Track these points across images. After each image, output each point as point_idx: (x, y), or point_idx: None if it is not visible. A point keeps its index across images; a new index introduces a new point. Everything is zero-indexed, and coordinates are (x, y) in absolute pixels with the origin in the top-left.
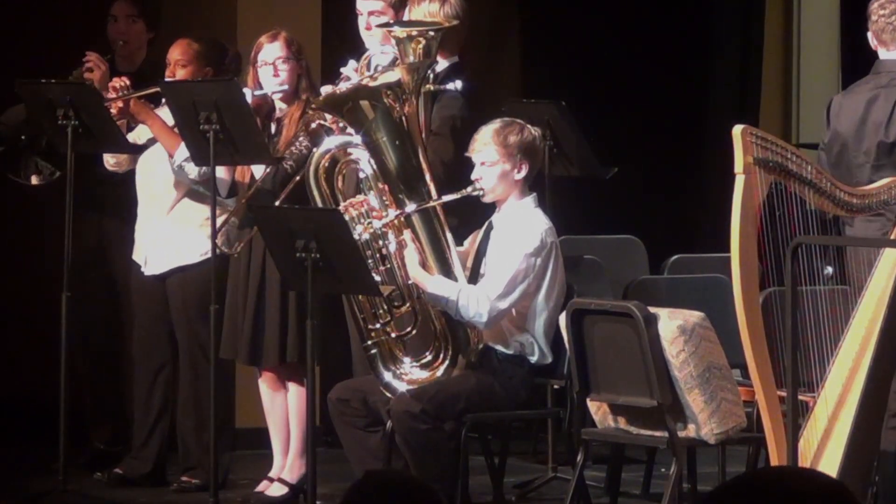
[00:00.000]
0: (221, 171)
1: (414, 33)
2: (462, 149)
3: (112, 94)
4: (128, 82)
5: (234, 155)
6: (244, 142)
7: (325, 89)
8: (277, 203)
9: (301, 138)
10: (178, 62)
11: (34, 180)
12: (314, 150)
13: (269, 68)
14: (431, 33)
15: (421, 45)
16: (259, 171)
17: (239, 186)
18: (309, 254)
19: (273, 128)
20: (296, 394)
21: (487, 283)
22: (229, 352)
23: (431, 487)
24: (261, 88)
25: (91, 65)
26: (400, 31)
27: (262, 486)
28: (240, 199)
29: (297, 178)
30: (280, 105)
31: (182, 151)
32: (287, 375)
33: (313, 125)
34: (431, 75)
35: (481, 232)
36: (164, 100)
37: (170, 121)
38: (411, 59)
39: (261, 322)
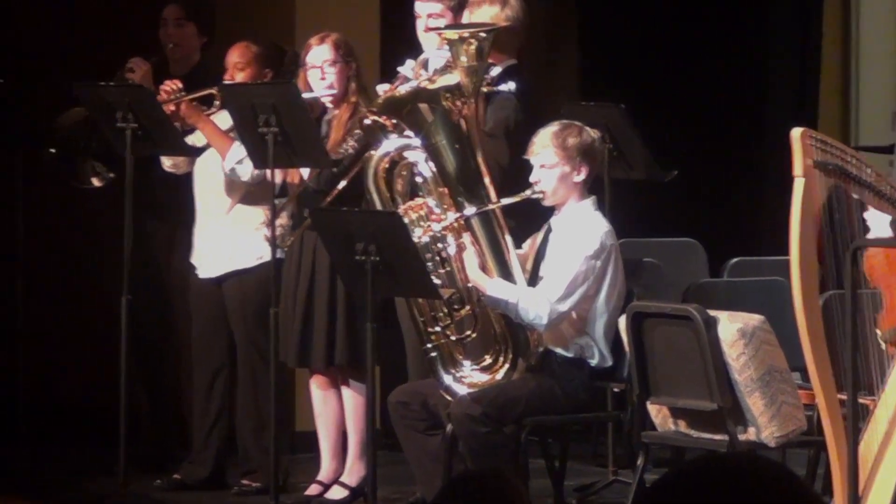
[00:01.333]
0: (270, 173)
1: (466, 35)
2: (516, 151)
3: (164, 97)
4: (179, 85)
5: (292, 157)
6: (302, 144)
7: (381, 88)
8: (325, 204)
9: (349, 140)
10: (237, 65)
11: (95, 182)
12: (372, 152)
13: (317, 71)
14: (483, 35)
15: (473, 47)
16: (307, 172)
17: (289, 187)
18: (368, 257)
19: (323, 130)
20: (351, 396)
21: (547, 286)
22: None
23: (521, 489)
24: (310, 91)
25: (132, 65)
26: (451, 34)
27: (313, 490)
28: (289, 200)
29: (345, 180)
30: (331, 107)
31: (234, 154)
32: (340, 378)
33: (367, 121)
34: (488, 77)
35: (540, 234)
36: (217, 103)
37: (223, 125)
38: (464, 60)
39: (309, 324)
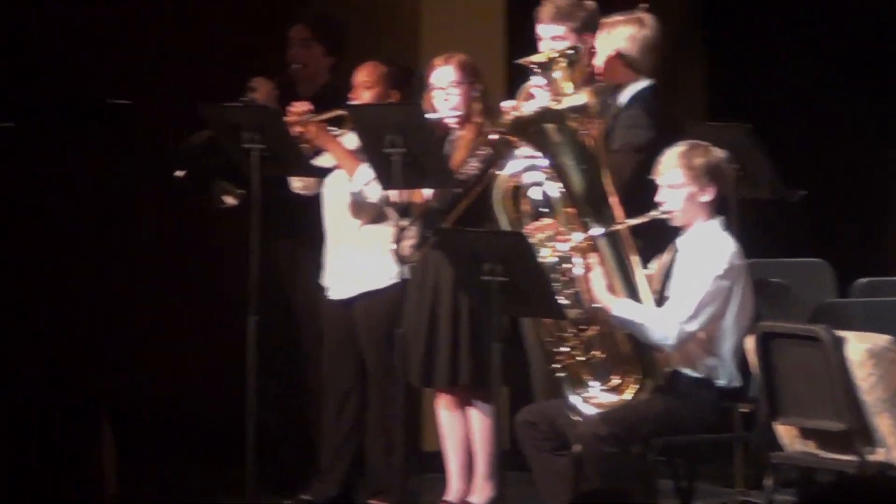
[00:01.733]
0: (396, 194)
1: (554, 55)
2: (642, 170)
3: (292, 119)
4: (309, 107)
5: (418, 178)
6: (429, 165)
7: (507, 105)
8: (448, 223)
9: (472, 160)
10: (364, 84)
11: (229, 201)
12: (498, 172)
13: (442, 92)
14: (571, 52)
15: (562, 67)
16: (431, 192)
17: (412, 208)
18: (495, 277)
19: (447, 150)
20: (477, 416)
21: (675, 306)
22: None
23: None
24: (434, 112)
25: (254, 84)
26: (540, 57)
27: None
28: (414, 220)
29: (467, 199)
30: (456, 128)
31: (361, 175)
32: (466, 397)
33: (493, 136)
34: (612, 98)
35: (667, 254)
36: (340, 125)
37: (352, 145)
38: (557, 77)
39: (433, 343)
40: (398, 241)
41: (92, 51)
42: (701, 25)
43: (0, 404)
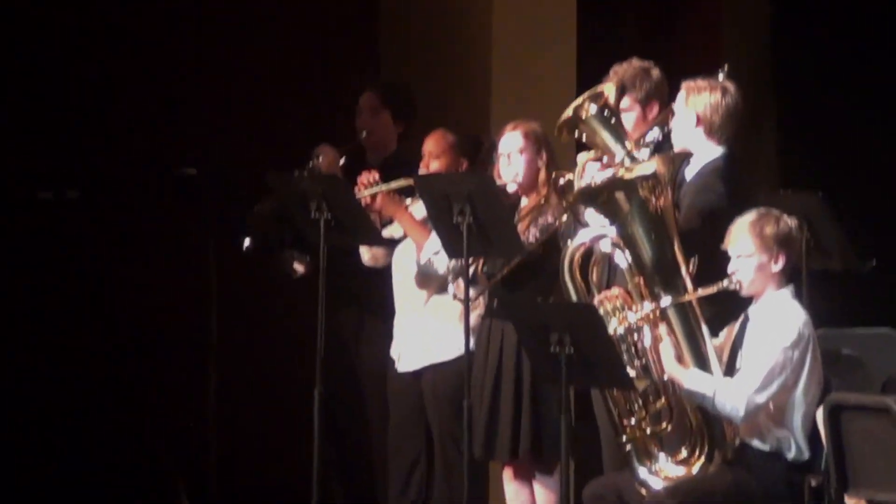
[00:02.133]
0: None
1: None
2: (710, 236)
3: (361, 188)
4: (377, 177)
5: (487, 248)
6: (498, 235)
7: (582, 157)
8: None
9: (531, 229)
10: (432, 154)
11: (298, 269)
12: (569, 242)
13: (505, 159)
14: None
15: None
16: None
17: (478, 278)
18: (563, 348)
19: (516, 219)
20: (542, 490)
21: (744, 377)
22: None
23: None
24: (500, 179)
25: (319, 152)
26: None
27: None
28: (482, 291)
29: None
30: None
31: (430, 245)
32: (530, 469)
33: (562, 181)
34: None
35: (737, 324)
36: (408, 194)
37: (420, 215)
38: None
39: (495, 414)
40: (467, 313)
41: (161, 119)
42: (774, 92)
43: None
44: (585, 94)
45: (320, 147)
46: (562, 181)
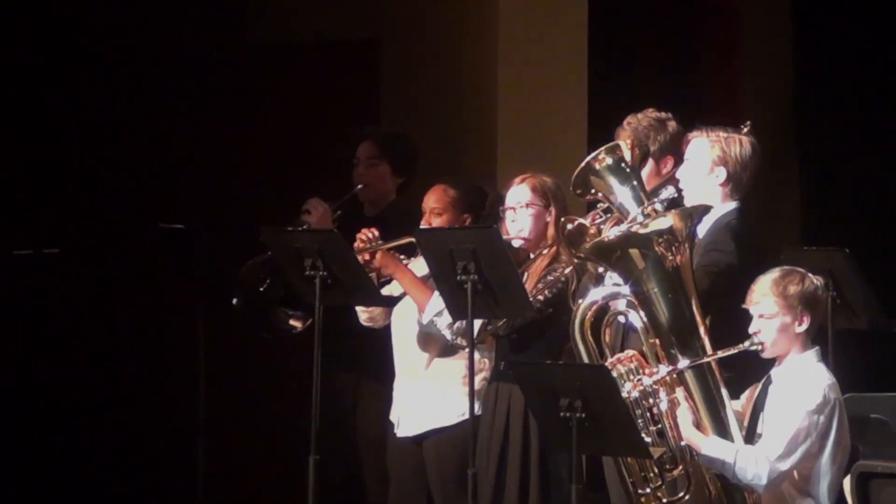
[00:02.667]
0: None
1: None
2: (719, 295)
3: (359, 245)
4: (376, 233)
5: (493, 307)
6: (504, 294)
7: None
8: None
9: (540, 286)
10: (434, 210)
11: (296, 324)
12: (580, 301)
13: (511, 212)
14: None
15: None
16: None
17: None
18: (574, 413)
19: (525, 276)
20: None
21: (766, 443)
22: None
23: None
24: (505, 234)
25: (308, 207)
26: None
27: None
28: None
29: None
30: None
31: (433, 305)
32: None
33: (570, 226)
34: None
35: (759, 386)
36: (410, 252)
37: (420, 272)
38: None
39: (501, 481)
40: (471, 376)
41: (149, 172)
42: (795, 144)
43: None
44: (602, 147)
45: (310, 201)
46: (570, 226)
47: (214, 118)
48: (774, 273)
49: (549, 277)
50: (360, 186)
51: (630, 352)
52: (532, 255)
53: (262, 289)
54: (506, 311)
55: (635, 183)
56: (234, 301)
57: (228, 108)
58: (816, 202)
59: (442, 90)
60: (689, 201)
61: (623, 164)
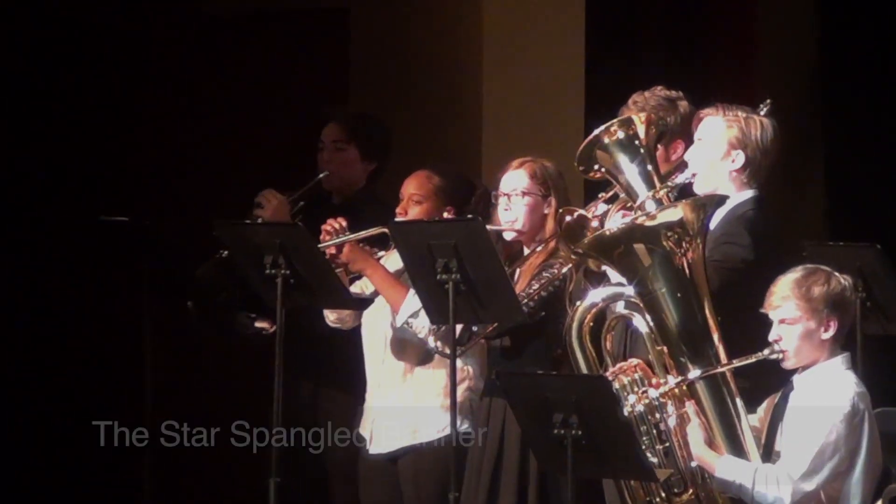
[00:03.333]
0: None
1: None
2: (733, 293)
3: (325, 238)
4: (343, 223)
5: (478, 311)
6: (490, 295)
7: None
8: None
9: (535, 284)
10: (413, 197)
11: (263, 325)
12: (578, 303)
13: (505, 200)
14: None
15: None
16: None
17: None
18: (569, 430)
19: (517, 274)
20: None
21: (788, 461)
22: None
23: None
24: (496, 224)
25: (260, 199)
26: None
27: None
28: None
29: None
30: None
31: (408, 305)
32: None
33: (568, 218)
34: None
35: (778, 396)
36: (382, 245)
37: (394, 268)
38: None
39: None
40: (454, 387)
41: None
42: (819, 127)
43: None
44: (615, 120)
45: (263, 193)
46: (569, 218)
47: (165, 98)
48: (796, 273)
49: (545, 275)
50: (324, 174)
51: (634, 361)
52: (526, 250)
53: (220, 293)
54: (492, 316)
55: (647, 164)
56: (189, 304)
57: (180, 87)
58: (843, 192)
59: (419, 65)
60: (700, 187)
61: (637, 142)
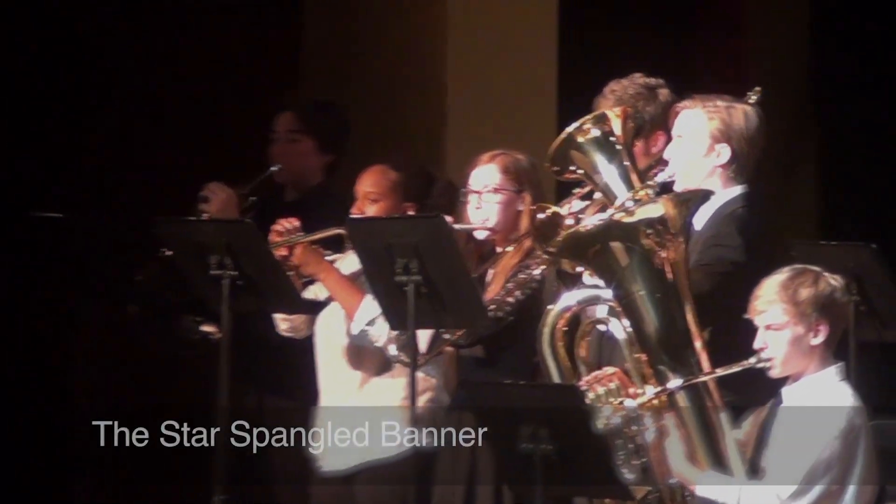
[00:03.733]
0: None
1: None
2: (722, 297)
3: (275, 238)
4: (296, 224)
5: (441, 315)
6: (455, 298)
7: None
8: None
9: (509, 286)
10: (369, 195)
11: (209, 329)
12: (550, 307)
13: (476, 198)
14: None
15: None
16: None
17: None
18: (538, 445)
19: (490, 276)
20: None
21: (776, 479)
22: None
23: None
24: (466, 223)
25: (206, 193)
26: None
27: None
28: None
29: None
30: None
31: (364, 311)
32: None
33: (541, 215)
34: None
35: (766, 409)
36: (338, 247)
37: (349, 270)
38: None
39: None
40: (413, 397)
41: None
42: (811, 121)
43: None
44: (588, 116)
45: (208, 186)
46: (542, 215)
47: (101, 85)
48: (782, 274)
49: (520, 277)
50: (276, 167)
51: (610, 369)
52: (499, 250)
53: (163, 294)
54: (455, 320)
55: (625, 161)
56: (129, 309)
57: (117, 71)
58: (836, 186)
59: (377, 48)
60: (682, 187)
61: (612, 138)
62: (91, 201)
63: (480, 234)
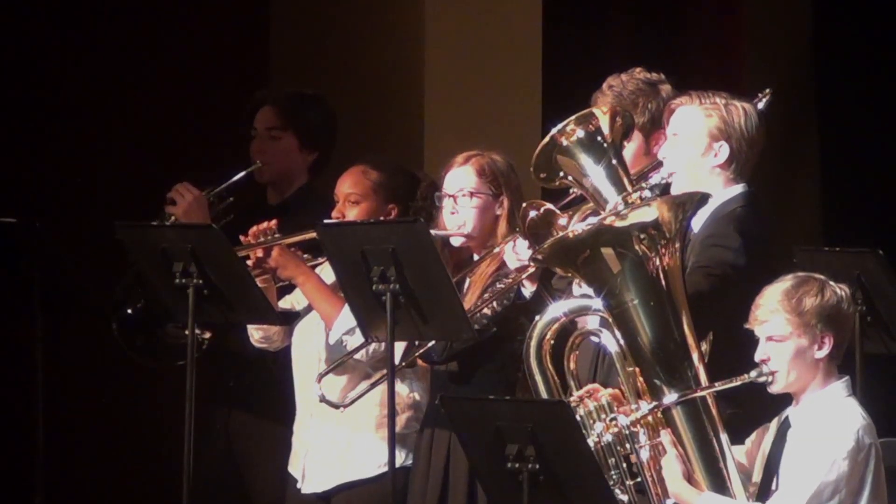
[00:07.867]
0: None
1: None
2: (724, 308)
3: (249, 240)
4: (274, 225)
5: (420, 326)
6: (435, 307)
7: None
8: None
9: (487, 297)
10: (350, 197)
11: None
12: (537, 318)
13: (450, 202)
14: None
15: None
16: None
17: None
18: (524, 464)
19: (467, 284)
20: None
21: (783, 501)
22: None
23: None
24: (442, 229)
25: (173, 195)
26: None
27: None
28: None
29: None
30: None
31: (343, 321)
32: None
33: (532, 214)
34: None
35: (772, 428)
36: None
37: (330, 278)
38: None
39: None
40: (391, 415)
41: None
42: (814, 121)
43: None
44: (572, 117)
45: (176, 187)
46: (534, 213)
47: (61, 82)
48: (785, 282)
49: (499, 286)
50: (255, 165)
51: (598, 387)
52: (476, 257)
53: (136, 306)
54: (435, 332)
55: (615, 162)
56: (114, 326)
57: (79, 68)
58: (841, 190)
59: (350, 40)
60: (679, 189)
61: (599, 139)
62: (50, 205)
63: (456, 241)
